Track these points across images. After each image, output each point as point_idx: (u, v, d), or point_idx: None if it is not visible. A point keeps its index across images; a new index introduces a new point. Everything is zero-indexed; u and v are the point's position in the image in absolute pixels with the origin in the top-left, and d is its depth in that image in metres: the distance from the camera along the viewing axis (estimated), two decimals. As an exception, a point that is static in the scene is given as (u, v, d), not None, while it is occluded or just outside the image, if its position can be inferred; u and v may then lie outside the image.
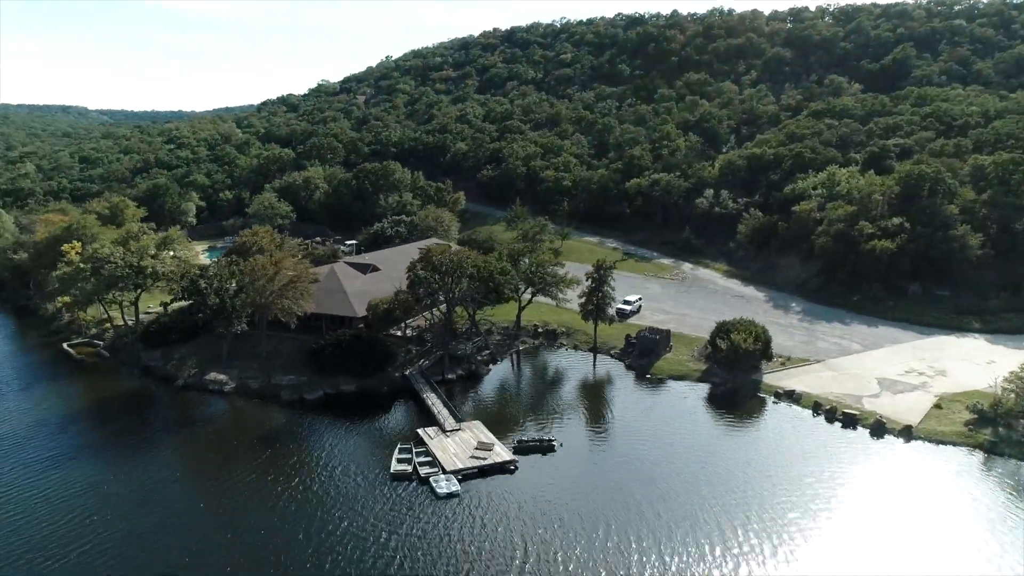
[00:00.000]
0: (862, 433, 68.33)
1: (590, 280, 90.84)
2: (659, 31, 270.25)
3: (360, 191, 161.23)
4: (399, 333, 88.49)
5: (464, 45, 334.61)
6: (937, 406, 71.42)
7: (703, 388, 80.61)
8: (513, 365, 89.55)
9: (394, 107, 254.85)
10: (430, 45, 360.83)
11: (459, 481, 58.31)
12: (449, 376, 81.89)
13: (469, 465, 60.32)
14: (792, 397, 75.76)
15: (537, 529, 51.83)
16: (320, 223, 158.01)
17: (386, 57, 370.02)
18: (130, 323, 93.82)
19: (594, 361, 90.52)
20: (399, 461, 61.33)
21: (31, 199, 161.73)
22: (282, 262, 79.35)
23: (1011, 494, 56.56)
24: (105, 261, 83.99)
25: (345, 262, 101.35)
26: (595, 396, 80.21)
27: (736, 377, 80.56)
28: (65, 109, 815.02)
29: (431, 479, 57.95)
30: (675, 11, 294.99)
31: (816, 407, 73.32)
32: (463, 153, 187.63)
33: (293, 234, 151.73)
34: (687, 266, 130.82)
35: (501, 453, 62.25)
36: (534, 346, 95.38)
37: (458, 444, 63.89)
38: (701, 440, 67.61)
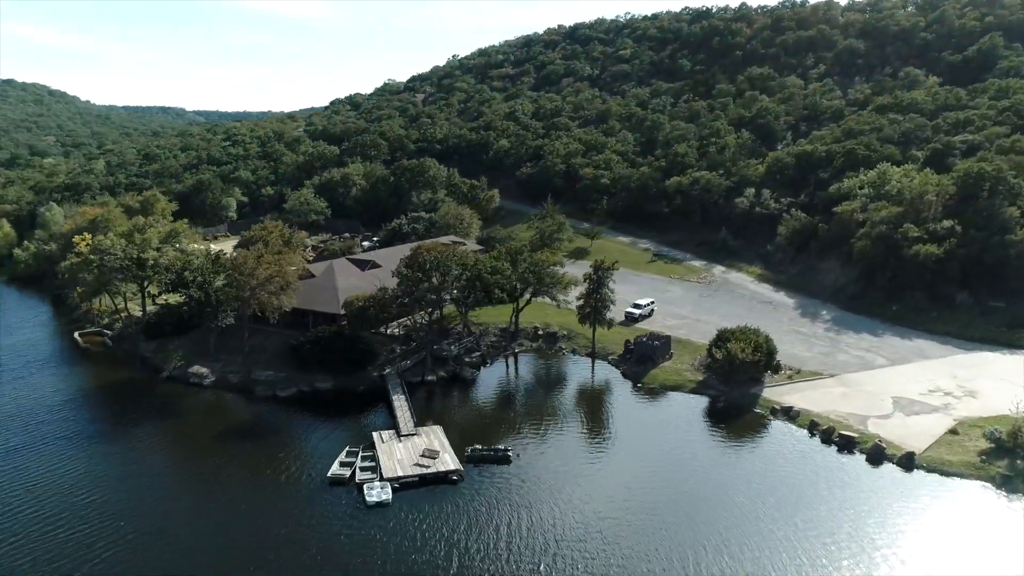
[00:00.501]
0: (858, 459, 61.25)
1: (588, 281, 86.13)
2: (725, 24, 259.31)
3: (396, 188, 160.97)
4: (387, 331, 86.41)
5: (527, 43, 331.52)
6: (952, 431, 63.29)
7: (696, 400, 74.74)
8: (505, 368, 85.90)
9: (448, 104, 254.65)
10: (496, 43, 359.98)
11: (395, 490, 55.44)
12: (429, 378, 79.19)
13: (410, 473, 57.36)
14: (789, 414, 69.01)
15: (463, 550, 48.22)
16: (355, 219, 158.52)
17: (452, 56, 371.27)
18: (138, 314, 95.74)
19: (592, 367, 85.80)
20: (341, 465, 59.03)
21: (87, 193, 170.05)
22: (263, 257, 78.57)
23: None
24: (105, 253, 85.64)
25: (347, 258, 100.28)
26: (575, 404, 75.63)
27: (733, 390, 74.29)
28: (164, 110, 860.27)
29: (364, 486, 55.29)
30: (744, 4, 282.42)
31: (812, 427, 66.42)
32: (505, 150, 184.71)
33: (326, 230, 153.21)
34: (719, 269, 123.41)
35: (448, 462, 58.93)
36: (531, 349, 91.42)
37: (408, 450, 61.01)
38: (677, 459, 62.09)
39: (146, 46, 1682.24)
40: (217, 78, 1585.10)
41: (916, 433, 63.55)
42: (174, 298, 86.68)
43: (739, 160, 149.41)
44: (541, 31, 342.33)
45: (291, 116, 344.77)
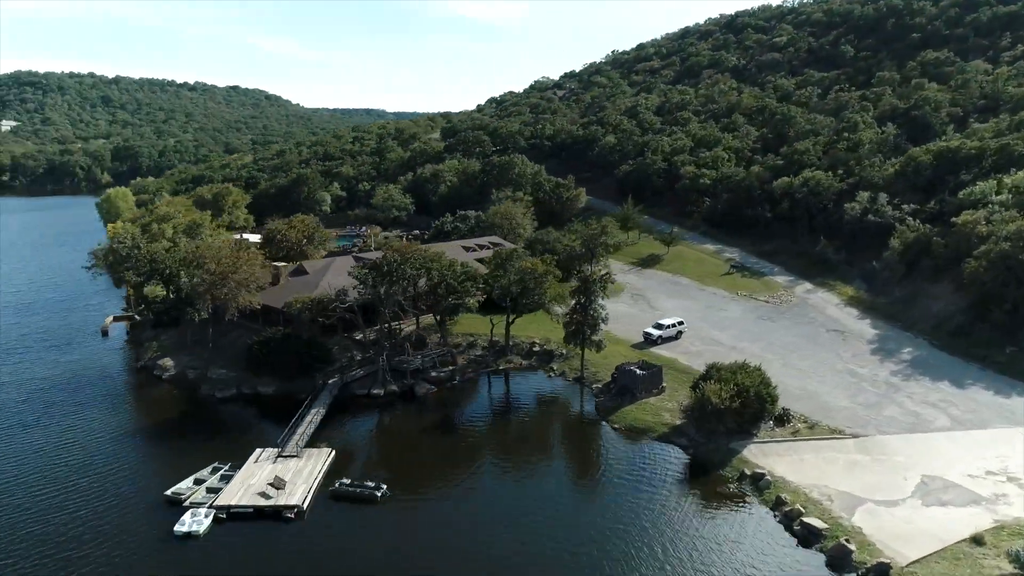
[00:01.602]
0: (818, 559, 44.62)
1: (575, 296, 73.86)
2: (905, 3, 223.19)
3: (484, 185, 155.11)
4: (359, 336, 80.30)
5: (684, 34, 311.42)
6: (976, 539, 44.20)
7: (659, 450, 60.23)
8: (474, 388, 76.13)
9: (578, 100, 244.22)
10: (659, 36, 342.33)
11: (221, 520, 48.92)
12: (376, 391, 71.77)
13: (244, 503, 50.45)
14: (757, 484, 52.79)
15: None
16: (438, 216, 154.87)
17: (611, 51, 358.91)
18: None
19: (580, 394, 73.37)
20: (196, 482, 53.69)
21: (205, 184, 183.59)
22: (220, 250, 75.81)
23: None
24: (116, 241, 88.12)
25: (355, 256, 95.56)
26: (512, 440, 63.93)
27: (709, 442, 58.90)
28: (368, 111, 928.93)
29: (188, 512, 49.29)
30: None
31: (777, 504, 50.01)
32: (610, 147, 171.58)
33: (407, 226, 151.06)
34: (804, 287, 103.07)
35: (293, 495, 51.27)
36: (520, 367, 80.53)
37: (269, 475, 54.18)
38: (572, 529, 49.19)
39: (358, 53, 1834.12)
40: (418, 81, 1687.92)
41: (918, 534, 45.26)
42: (158, 290, 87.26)
43: (866, 159, 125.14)
44: (702, 21, 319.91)
45: (444, 115, 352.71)
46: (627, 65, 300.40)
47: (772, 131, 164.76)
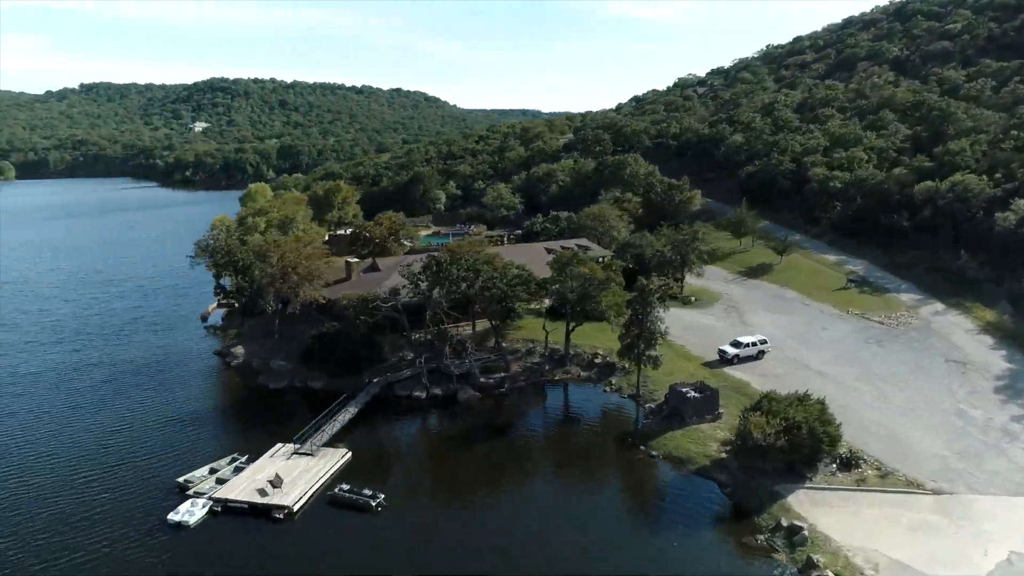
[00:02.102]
0: (834, 644, 36.88)
1: (631, 307, 67.95)
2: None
3: (597, 184, 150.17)
4: (415, 337, 79.02)
5: (845, 24, 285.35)
6: (1054, 647, 34.43)
7: (693, 486, 53.48)
8: (521, 397, 72.31)
9: (715, 98, 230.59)
10: (818, 29, 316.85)
11: (216, 513, 49.21)
12: (417, 394, 70.14)
13: (242, 498, 50.36)
14: (792, 538, 44.94)
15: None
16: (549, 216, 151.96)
17: (766, 45, 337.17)
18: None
19: (638, 412, 67.49)
20: (211, 471, 54.55)
21: (331, 180, 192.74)
22: (285, 244, 77.50)
23: None
24: (216, 235, 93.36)
25: (429, 255, 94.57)
26: (534, 458, 59.32)
27: (752, 481, 51.38)
28: (523, 112, 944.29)
29: (187, 501, 50.00)
30: None
31: (807, 567, 42.17)
32: (737, 146, 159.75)
33: (514, 226, 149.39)
34: (933, 308, 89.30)
35: (286, 496, 50.48)
36: (577, 378, 75.64)
37: (277, 470, 53.92)
38: (565, 561, 44.47)
39: (519, 54, 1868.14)
40: (574, 80, 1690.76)
41: (980, 629, 36.10)
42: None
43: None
44: (869, 9, 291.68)
45: (583, 114, 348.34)
46: (778, 60, 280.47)
47: (928, 129, 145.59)
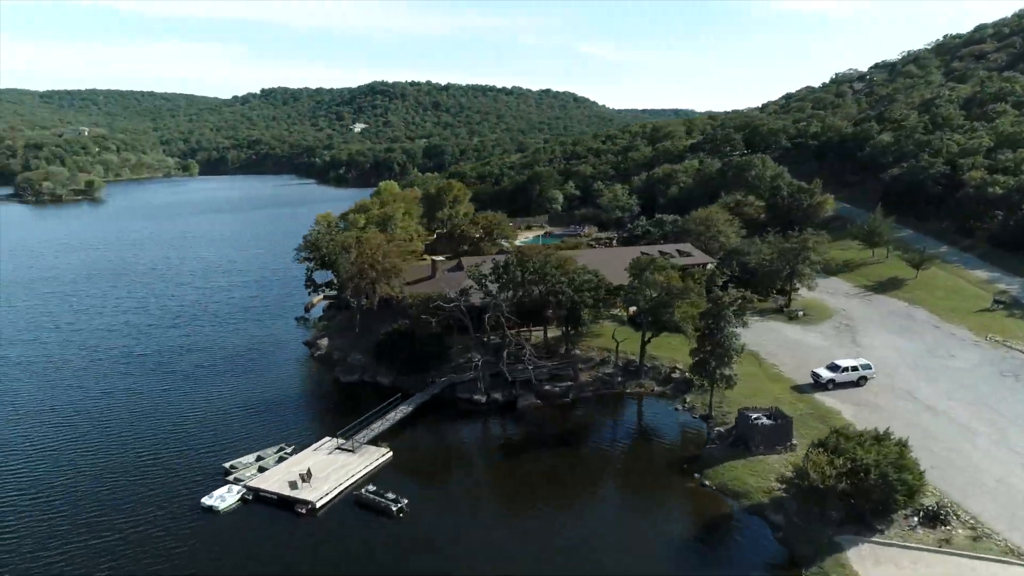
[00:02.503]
0: None
1: (704, 320, 62.35)
2: None
3: (720, 186, 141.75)
4: (487, 339, 77.53)
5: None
6: None
7: (739, 524, 47.78)
8: (587, 408, 68.62)
9: (869, 94, 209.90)
10: (1007, 15, 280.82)
11: (247, 500, 50.42)
12: (476, 397, 68.61)
13: (273, 489, 51.16)
14: (838, 601, 38.59)
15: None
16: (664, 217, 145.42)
17: (943, 35, 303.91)
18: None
19: (708, 433, 61.90)
20: (258, 459, 56.06)
21: (457, 178, 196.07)
22: (365, 240, 78.69)
23: None
24: (317, 229, 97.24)
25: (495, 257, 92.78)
26: (578, 476, 55.15)
27: (808, 527, 44.99)
28: (676, 112, 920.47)
29: (223, 486, 51.61)
30: None
31: (846, 638, 35.90)
32: (883, 146, 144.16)
33: (629, 228, 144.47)
34: (1098, 340, 75.16)
35: (315, 490, 50.64)
36: (650, 392, 70.75)
37: (314, 464, 54.45)
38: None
39: (672, 53, 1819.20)
40: (729, 79, 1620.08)
41: None
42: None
43: None
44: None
45: (731, 113, 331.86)
46: (952, 51, 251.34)
47: None
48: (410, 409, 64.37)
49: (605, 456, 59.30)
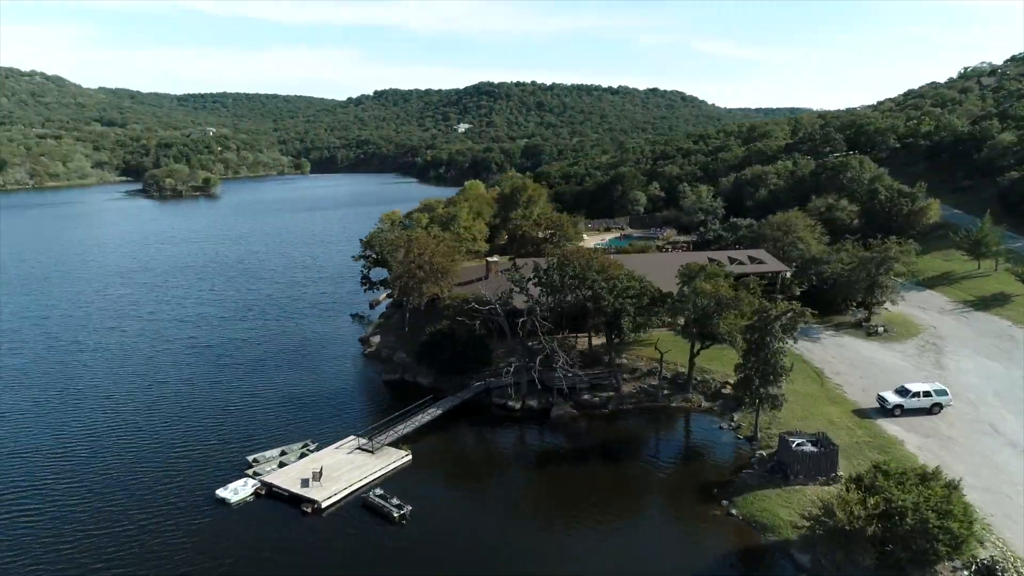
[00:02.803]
0: None
1: (747, 335, 57.66)
2: None
3: (814, 188, 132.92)
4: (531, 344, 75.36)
5: None
6: None
7: (761, 559, 43.50)
8: (626, 421, 65.15)
9: (997, 90, 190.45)
10: None
11: (259, 496, 50.88)
12: (511, 404, 66.69)
13: (284, 485, 51.33)
14: (851, 661, 33.96)
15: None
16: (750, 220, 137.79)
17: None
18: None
19: (751, 459, 57.47)
20: (282, 454, 56.57)
21: (542, 179, 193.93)
22: (418, 241, 78.35)
23: None
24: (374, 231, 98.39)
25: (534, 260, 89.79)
26: (598, 495, 51.66)
27: (838, 571, 40.20)
28: (792, 111, 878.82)
29: (240, 479, 52.32)
30: None
31: None
32: (1004, 146, 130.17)
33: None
34: None
35: (324, 489, 50.37)
36: (696, 408, 66.35)
37: (332, 462, 54.35)
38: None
39: (794, 50, 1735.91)
40: (853, 75, 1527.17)
41: None
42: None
43: None
44: None
45: (849, 111, 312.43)
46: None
47: None
48: (439, 412, 63.31)
49: (630, 474, 55.83)
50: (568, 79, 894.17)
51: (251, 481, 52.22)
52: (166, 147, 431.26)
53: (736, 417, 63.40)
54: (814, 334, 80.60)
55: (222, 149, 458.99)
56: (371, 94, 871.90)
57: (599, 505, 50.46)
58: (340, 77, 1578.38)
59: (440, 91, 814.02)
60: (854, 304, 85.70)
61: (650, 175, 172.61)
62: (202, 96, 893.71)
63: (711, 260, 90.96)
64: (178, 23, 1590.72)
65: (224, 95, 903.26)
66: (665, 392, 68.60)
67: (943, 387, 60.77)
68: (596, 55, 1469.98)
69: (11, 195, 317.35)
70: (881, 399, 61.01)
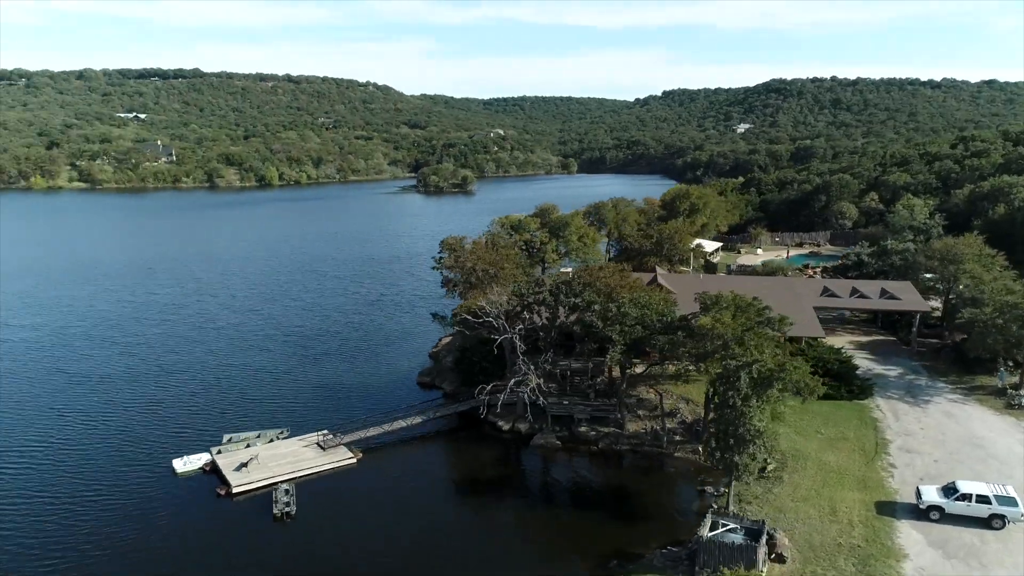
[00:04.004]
0: None
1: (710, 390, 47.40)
2: None
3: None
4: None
5: None
6: None
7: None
8: (606, 462, 57.41)
9: None
10: None
11: (206, 471, 55.34)
12: (500, 424, 62.85)
13: (221, 465, 54.85)
14: None
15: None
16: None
17: None
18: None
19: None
20: (258, 437, 60.51)
21: (751, 186, 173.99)
22: (477, 246, 77.29)
23: None
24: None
25: (662, 276, 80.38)
26: (498, 548, 46.46)
27: None
28: None
29: (201, 454, 57.31)
30: None
31: None
32: None
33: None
34: None
35: (245, 477, 52.90)
36: (698, 462, 55.93)
37: (278, 452, 56.89)
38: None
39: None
40: None
41: None
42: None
43: None
44: None
45: None
46: None
47: None
48: (418, 420, 62.21)
49: (552, 520, 49.50)
50: (877, 73, 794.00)
51: (205, 456, 56.93)
52: (449, 147, 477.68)
53: (724, 483, 52.18)
54: (926, 395, 62.82)
55: (497, 149, 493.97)
56: (659, 94, 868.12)
57: (482, 545, 45.69)
58: (633, 79, 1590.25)
59: (728, 90, 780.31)
60: (1010, 363, 64.58)
61: (872, 183, 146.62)
62: (504, 100, 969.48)
63: (826, 290, 75.73)
64: (500, 32, 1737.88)
65: (523, 99, 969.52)
66: (677, 438, 59.11)
67: (1014, 495, 43.28)
68: (926, 44, 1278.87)
69: (323, 187, 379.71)
70: (920, 494, 45.46)
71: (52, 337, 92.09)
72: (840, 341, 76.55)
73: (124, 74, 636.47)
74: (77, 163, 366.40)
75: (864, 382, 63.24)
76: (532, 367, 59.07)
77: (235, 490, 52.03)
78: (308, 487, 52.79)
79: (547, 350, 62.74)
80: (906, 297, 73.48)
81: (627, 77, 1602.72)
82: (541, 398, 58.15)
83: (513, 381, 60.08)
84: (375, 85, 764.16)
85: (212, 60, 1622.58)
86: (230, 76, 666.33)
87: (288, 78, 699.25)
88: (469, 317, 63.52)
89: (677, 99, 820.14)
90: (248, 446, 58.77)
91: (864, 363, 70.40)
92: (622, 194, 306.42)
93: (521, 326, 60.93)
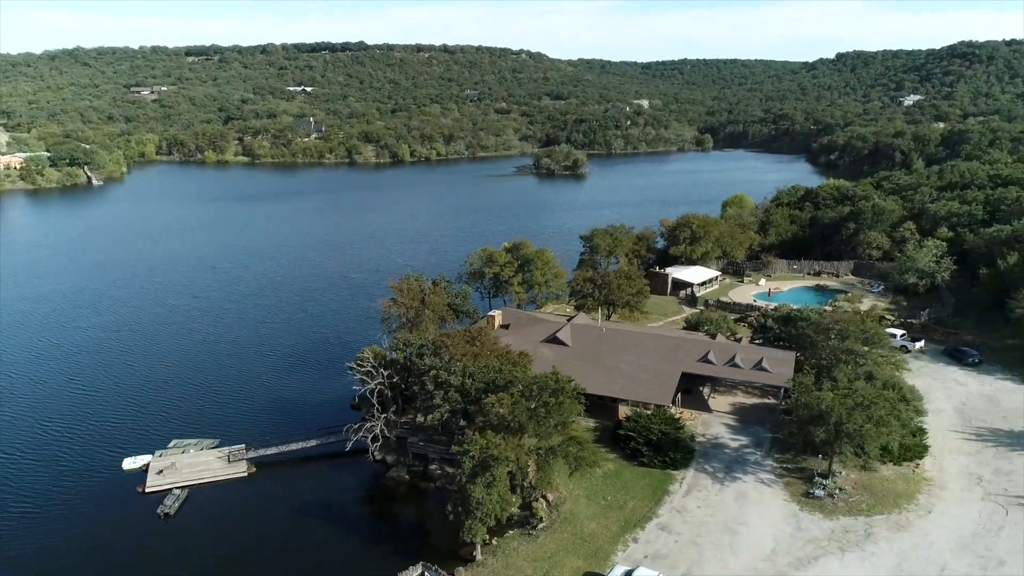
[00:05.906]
0: None
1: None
2: None
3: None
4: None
5: None
6: None
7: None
8: (412, 500, 69.16)
9: None
10: None
11: (144, 471, 73.90)
12: (375, 454, 76.19)
13: (150, 468, 73.24)
14: None
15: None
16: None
17: None
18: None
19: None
20: (197, 444, 78.53)
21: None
22: (409, 284, 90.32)
23: None
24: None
25: (564, 331, 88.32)
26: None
27: None
28: None
29: (149, 456, 76.16)
30: None
31: None
32: None
33: (930, 299, 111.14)
34: None
35: (159, 478, 70.93)
36: (502, 512, 66.16)
37: (197, 460, 74.45)
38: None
39: None
40: None
41: None
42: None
43: None
44: None
45: None
46: None
47: None
48: (314, 443, 77.17)
49: (345, 541, 62.68)
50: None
51: (148, 458, 75.84)
52: (581, 122, 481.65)
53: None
54: (741, 471, 67.74)
55: (630, 124, 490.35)
56: (832, 57, 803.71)
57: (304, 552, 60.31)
58: (816, 33, 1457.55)
59: (910, 52, 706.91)
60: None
61: (918, 213, 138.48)
62: (662, 64, 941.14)
63: (704, 356, 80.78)
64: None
65: (684, 62, 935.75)
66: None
67: None
68: None
69: (451, 165, 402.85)
70: (609, 570, 53.41)
71: (63, 332, 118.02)
72: (724, 403, 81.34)
73: (299, 47, 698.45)
74: (243, 139, 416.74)
75: (684, 454, 68.91)
76: (382, 414, 72.17)
77: (148, 490, 70.29)
78: (202, 494, 69.82)
79: (395, 403, 75.42)
80: (777, 370, 76.36)
81: (812, 29, 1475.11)
82: (392, 437, 71.17)
83: (368, 424, 73.70)
84: (528, 53, 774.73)
85: (375, 31, 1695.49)
86: (391, 48, 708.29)
87: (444, 48, 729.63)
88: (353, 365, 77.22)
89: (849, 63, 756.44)
90: (184, 452, 77.05)
91: (720, 430, 75.35)
92: (744, 184, 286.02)
93: (382, 379, 73.80)
